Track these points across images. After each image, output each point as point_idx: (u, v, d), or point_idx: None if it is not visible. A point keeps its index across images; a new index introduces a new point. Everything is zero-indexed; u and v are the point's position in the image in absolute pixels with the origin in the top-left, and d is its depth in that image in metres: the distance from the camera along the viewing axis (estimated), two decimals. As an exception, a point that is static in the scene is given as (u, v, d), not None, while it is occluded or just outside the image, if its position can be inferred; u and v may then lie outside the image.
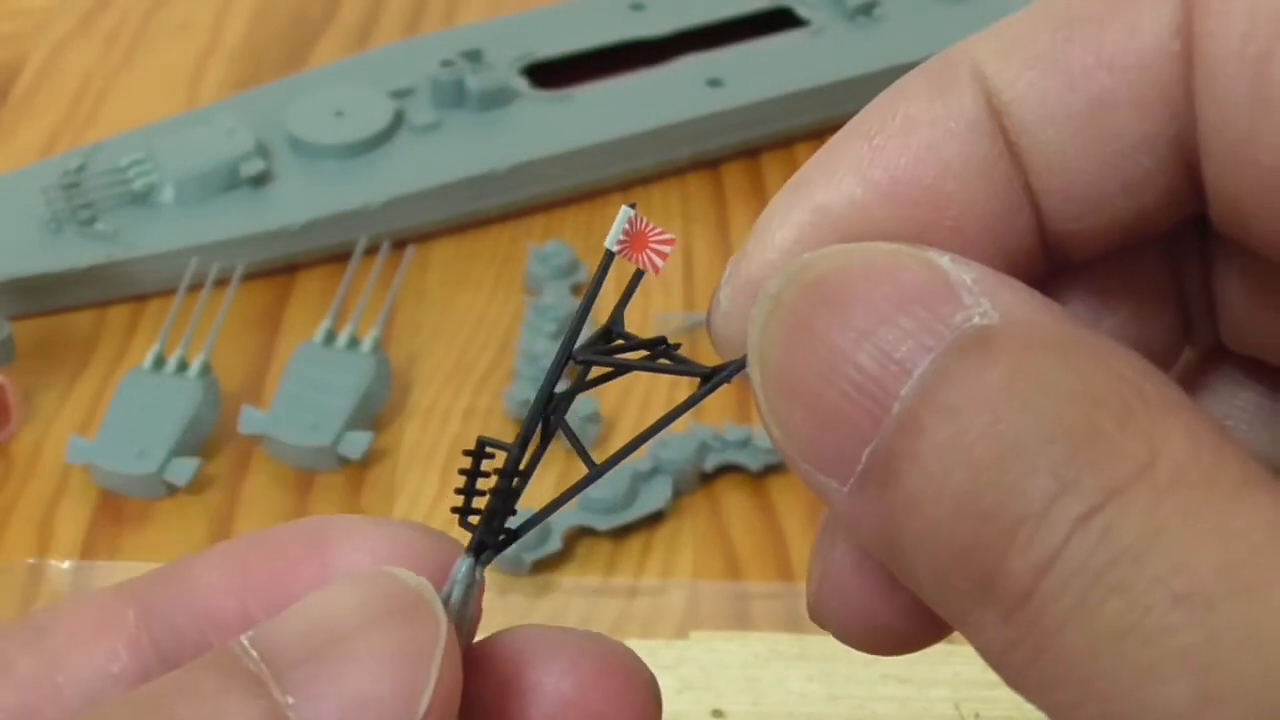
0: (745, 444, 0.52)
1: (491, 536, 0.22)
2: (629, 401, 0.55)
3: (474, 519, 0.22)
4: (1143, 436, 0.17)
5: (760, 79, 0.65)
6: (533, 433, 0.22)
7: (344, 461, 0.52)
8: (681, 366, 0.22)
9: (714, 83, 0.65)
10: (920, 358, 0.18)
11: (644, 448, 0.52)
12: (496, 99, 0.64)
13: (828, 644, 0.46)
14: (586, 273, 0.59)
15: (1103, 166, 0.20)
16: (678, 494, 0.51)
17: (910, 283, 0.19)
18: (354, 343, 0.54)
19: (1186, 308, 0.23)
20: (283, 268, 0.60)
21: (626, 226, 0.22)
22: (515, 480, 0.22)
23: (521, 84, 0.65)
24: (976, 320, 0.18)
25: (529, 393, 0.53)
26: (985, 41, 0.21)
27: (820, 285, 0.20)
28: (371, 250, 0.57)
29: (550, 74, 0.66)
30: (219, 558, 0.22)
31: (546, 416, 0.22)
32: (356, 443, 0.52)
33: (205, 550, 0.22)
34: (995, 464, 0.17)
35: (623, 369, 0.23)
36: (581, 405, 0.53)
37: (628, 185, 0.64)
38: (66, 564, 0.50)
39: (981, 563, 0.18)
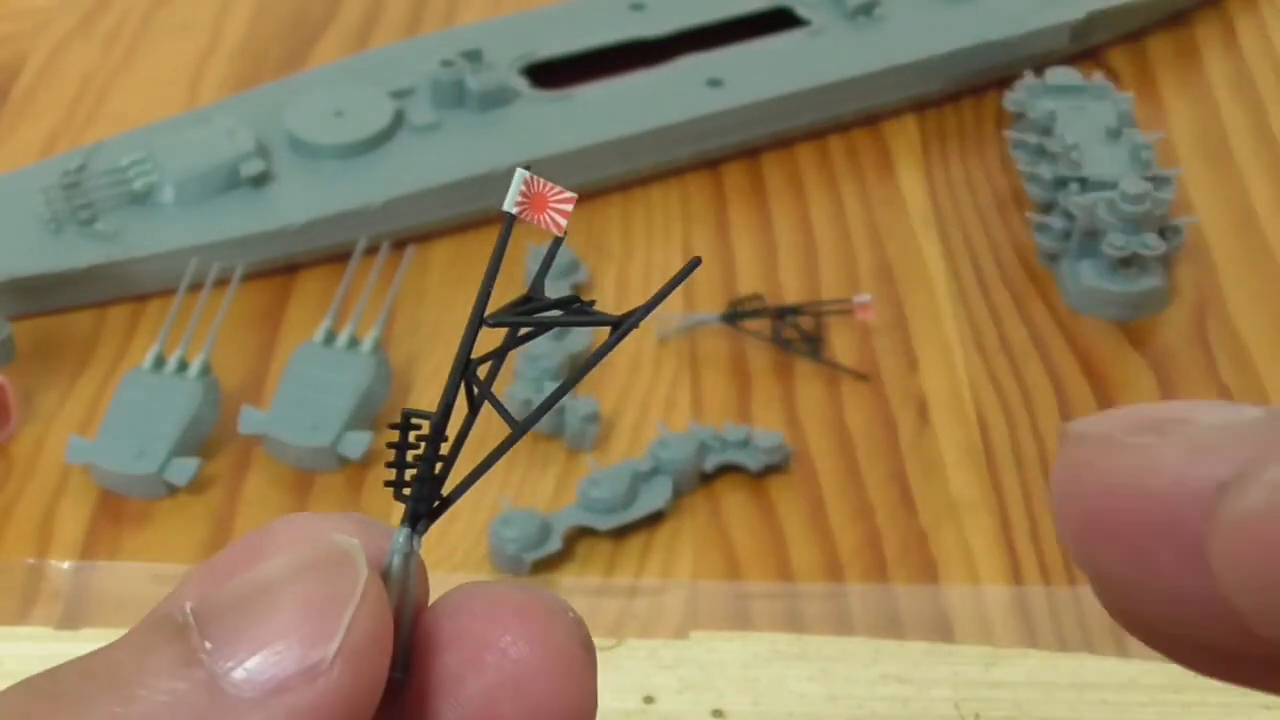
0: (745, 444, 0.52)
1: (424, 505, 0.23)
2: (629, 401, 0.55)
3: (407, 491, 0.23)
4: None
5: (760, 79, 0.65)
6: (453, 398, 0.22)
7: (344, 461, 0.52)
8: (591, 317, 0.23)
9: (714, 83, 0.65)
10: None
11: (644, 448, 0.52)
12: (496, 99, 0.64)
13: (828, 644, 0.47)
14: (587, 272, 0.59)
15: None
16: (678, 494, 0.51)
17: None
18: (354, 343, 0.54)
19: None
20: (283, 268, 0.60)
21: (524, 189, 0.22)
22: (447, 449, 0.23)
23: (521, 84, 0.65)
24: None
25: (530, 393, 0.53)
26: None
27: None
28: (371, 250, 0.57)
29: (550, 74, 0.66)
30: (196, 571, 0.23)
31: (470, 385, 0.23)
32: (356, 443, 0.52)
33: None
34: None
35: (535, 326, 0.23)
36: (581, 405, 0.53)
37: (628, 185, 0.64)
38: (66, 564, 0.50)
39: None
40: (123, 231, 0.59)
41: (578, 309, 0.23)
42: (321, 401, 0.52)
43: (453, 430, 0.23)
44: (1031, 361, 0.57)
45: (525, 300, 0.23)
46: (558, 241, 0.23)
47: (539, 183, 0.22)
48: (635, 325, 0.22)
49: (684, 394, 0.55)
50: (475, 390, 0.23)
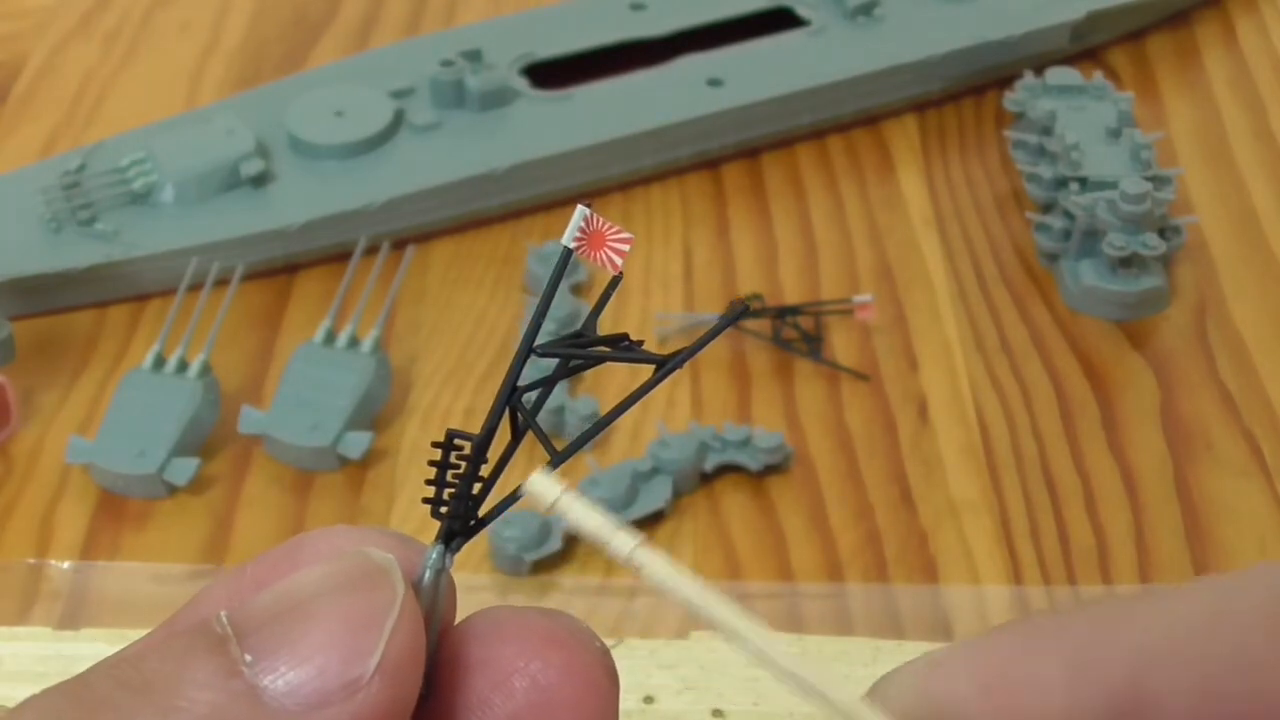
0: (745, 444, 0.52)
1: (460, 524, 0.23)
2: (629, 401, 0.55)
3: (445, 509, 0.23)
4: None
5: (760, 79, 0.65)
6: (497, 422, 0.23)
7: (344, 461, 0.52)
8: (636, 355, 0.23)
9: (714, 83, 0.65)
10: None
11: (644, 448, 0.52)
12: (496, 99, 0.64)
13: (827, 644, 0.47)
14: (586, 272, 0.59)
15: None
16: (678, 494, 0.51)
17: None
18: (354, 343, 0.54)
19: None
20: (283, 268, 0.60)
21: (583, 225, 0.22)
22: (486, 471, 0.23)
23: (521, 84, 0.65)
24: None
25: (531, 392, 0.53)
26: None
27: None
28: (371, 250, 0.57)
29: (550, 74, 0.66)
30: (225, 576, 0.23)
31: (514, 411, 0.23)
32: (356, 443, 0.52)
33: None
34: None
35: (582, 360, 0.23)
36: (581, 405, 0.53)
37: (628, 185, 0.64)
38: (66, 564, 0.50)
39: None
40: (123, 231, 0.59)
41: (625, 347, 0.23)
42: (321, 401, 0.52)
43: (493, 454, 0.23)
44: (1031, 361, 0.57)
45: (576, 335, 0.23)
46: (615, 281, 0.23)
47: (597, 220, 0.23)
48: (680, 365, 0.23)
49: (684, 394, 0.55)
50: (519, 418, 0.23)
